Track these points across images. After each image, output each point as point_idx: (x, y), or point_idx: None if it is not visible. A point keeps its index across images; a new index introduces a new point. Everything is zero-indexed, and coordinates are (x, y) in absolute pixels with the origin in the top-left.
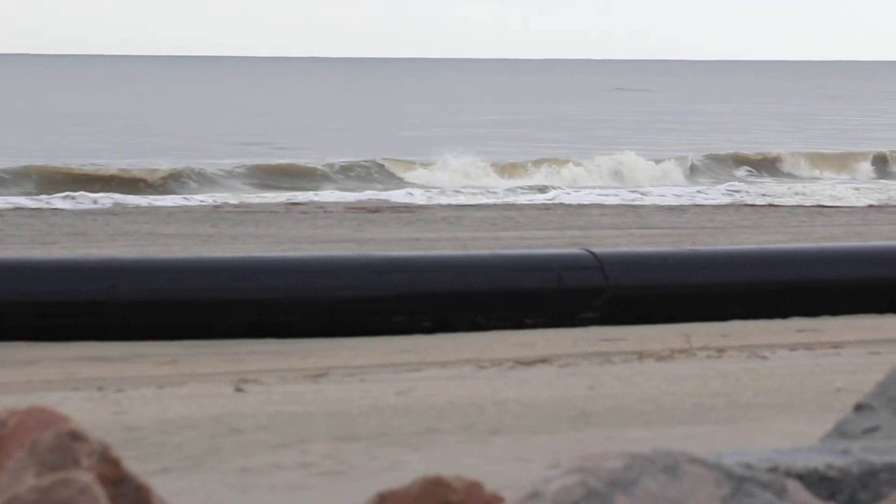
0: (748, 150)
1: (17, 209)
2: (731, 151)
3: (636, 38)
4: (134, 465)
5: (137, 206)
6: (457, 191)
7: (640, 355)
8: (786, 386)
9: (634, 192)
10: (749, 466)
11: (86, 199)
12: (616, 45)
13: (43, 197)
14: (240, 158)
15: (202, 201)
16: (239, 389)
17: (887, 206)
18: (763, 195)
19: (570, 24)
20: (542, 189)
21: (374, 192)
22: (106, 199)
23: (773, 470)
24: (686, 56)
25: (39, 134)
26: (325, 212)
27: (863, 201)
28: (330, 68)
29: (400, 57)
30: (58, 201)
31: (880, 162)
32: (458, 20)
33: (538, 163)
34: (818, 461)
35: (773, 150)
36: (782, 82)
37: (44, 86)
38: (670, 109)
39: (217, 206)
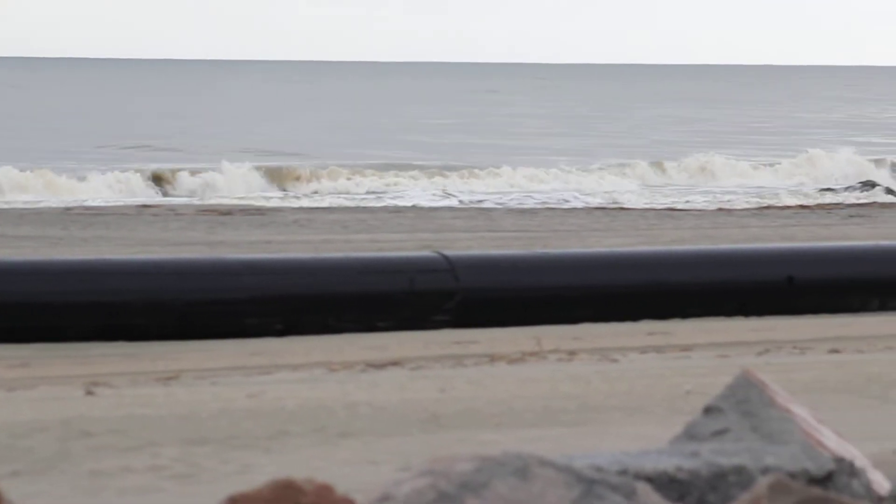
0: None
1: None
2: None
3: (502, 42)
4: None
5: None
6: (307, 195)
7: (492, 358)
8: (636, 388)
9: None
10: (599, 469)
11: None
12: (487, 49)
13: None
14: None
15: (53, 203)
16: (90, 392)
17: (734, 209)
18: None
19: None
20: (389, 192)
21: (227, 194)
22: None
23: (623, 472)
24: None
25: None
26: (177, 214)
27: (712, 205)
28: (191, 70)
29: (256, 59)
30: None
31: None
32: (313, 21)
33: (388, 166)
34: (667, 463)
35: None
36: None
37: None
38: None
39: (67, 209)
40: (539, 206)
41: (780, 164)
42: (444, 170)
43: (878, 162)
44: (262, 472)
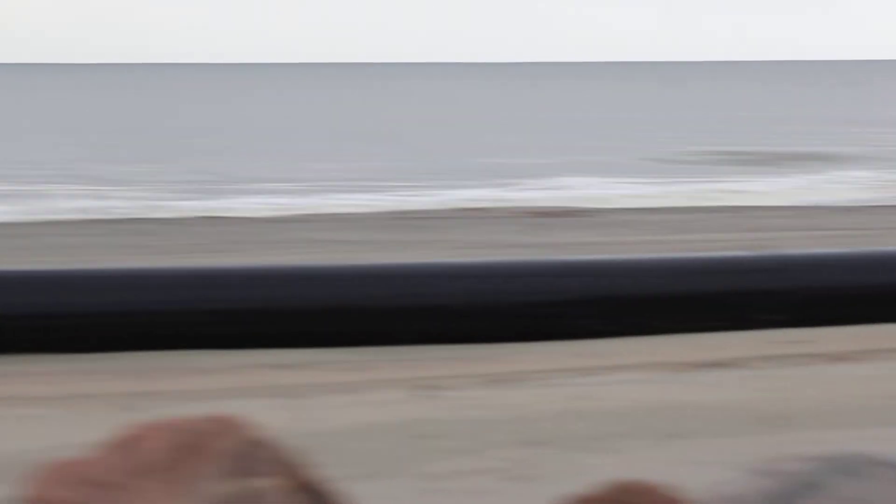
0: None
1: None
2: None
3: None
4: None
5: None
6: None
7: (831, 358)
8: None
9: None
10: None
11: None
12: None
13: None
14: None
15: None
16: (421, 395)
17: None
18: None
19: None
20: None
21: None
22: None
23: None
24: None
25: None
26: (493, 217)
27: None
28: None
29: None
30: None
31: None
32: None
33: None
34: None
35: None
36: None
37: None
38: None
39: (403, 212)
40: (868, 206)
41: None
42: None
43: None
44: (593, 474)
